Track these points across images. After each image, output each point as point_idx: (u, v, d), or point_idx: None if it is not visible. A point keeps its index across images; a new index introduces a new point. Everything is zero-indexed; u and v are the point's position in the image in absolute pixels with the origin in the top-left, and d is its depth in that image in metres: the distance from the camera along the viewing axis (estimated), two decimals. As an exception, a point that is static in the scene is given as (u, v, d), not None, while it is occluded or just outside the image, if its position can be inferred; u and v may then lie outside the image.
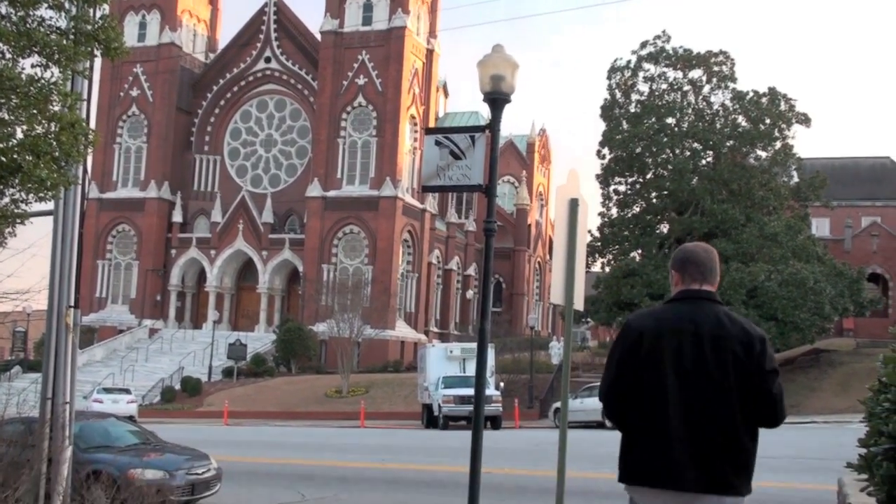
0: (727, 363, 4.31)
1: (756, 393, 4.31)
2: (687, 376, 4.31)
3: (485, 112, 76.40)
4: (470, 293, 74.30)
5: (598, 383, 30.97)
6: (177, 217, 71.00)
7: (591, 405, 33.70)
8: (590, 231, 49.74)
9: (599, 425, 33.42)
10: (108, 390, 45.81)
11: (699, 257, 4.48)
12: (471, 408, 31.80)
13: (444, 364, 38.41)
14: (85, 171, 10.22)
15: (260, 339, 63.91)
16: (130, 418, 31.44)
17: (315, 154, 67.11)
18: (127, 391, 45.94)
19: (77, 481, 10.66)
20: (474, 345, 38.82)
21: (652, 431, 4.33)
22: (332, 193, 65.47)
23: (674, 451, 4.28)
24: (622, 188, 49.71)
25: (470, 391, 32.83)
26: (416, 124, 67.48)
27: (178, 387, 54.69)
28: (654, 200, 48.62)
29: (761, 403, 4.31)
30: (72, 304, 10.18)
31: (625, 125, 47.61)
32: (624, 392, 4.44)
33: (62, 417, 9.56)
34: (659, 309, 4.52)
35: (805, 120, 46.34)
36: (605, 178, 49.27)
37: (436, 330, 71.45)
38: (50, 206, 9.86)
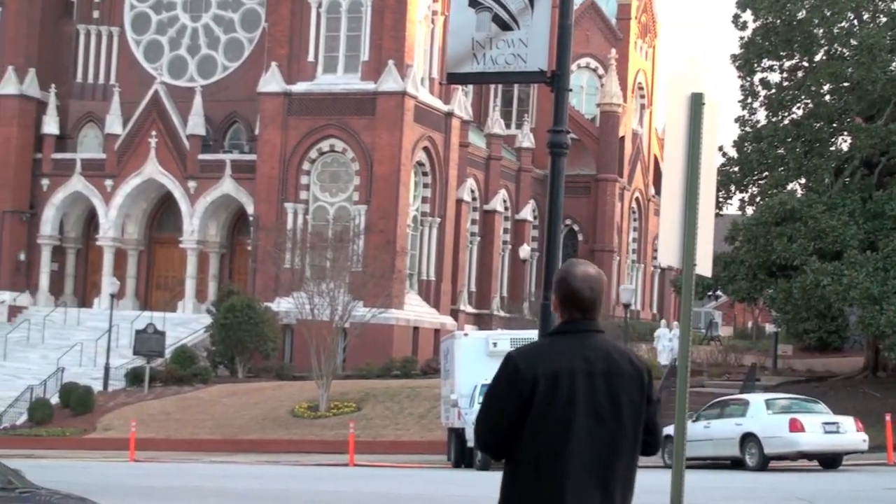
0: (620, 401, 6.11)
1: (644, 425, 6.21)
2: (584, 420, 6.05)
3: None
4: (525, 250, 74.35)
5: (733, 395, 31.02)
6: (50, 126, 71.25)
7: (722, 431, 33.78)
8: (721, 149, 49.54)
9: (736, 463, 33.54)
10: (-57, 405, 46.41)
11: (583, 299, 6.19)
12: (526, 435, 31.86)
13: (483, 364, 38.40)
14: None
15: (186, 324, 64.36)
16: (-20, 450, 31.77)
17: (273, 24, 67.00)
18: (-26, 407, 46.50)
19: None
20: (532, 334, 38.90)
21: (548, 480, 6.03)
22: (300, 88, 65.46)
23: (573, 495, 6.02)
24: (774, 78, 49.34)
25: (525, 408, 32.89)
26: (436, -26, 67.17)
27: (55, 399, 55.27)
28: (828, 98, 48.18)
29: (647, 433, 6.25)
30: None
31: (780, -27, 47.20)
32: (511, 439, 6.10)
33: None
34: (544, 344, 6.32)
35: None
36: (746, 62, 48.91)
37: (469, 310, 71.66)
38: None
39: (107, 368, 57.55)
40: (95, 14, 73.18)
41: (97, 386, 56.55)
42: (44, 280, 71.00)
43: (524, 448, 6.08)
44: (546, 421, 6.05)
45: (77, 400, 53.97)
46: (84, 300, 71.57)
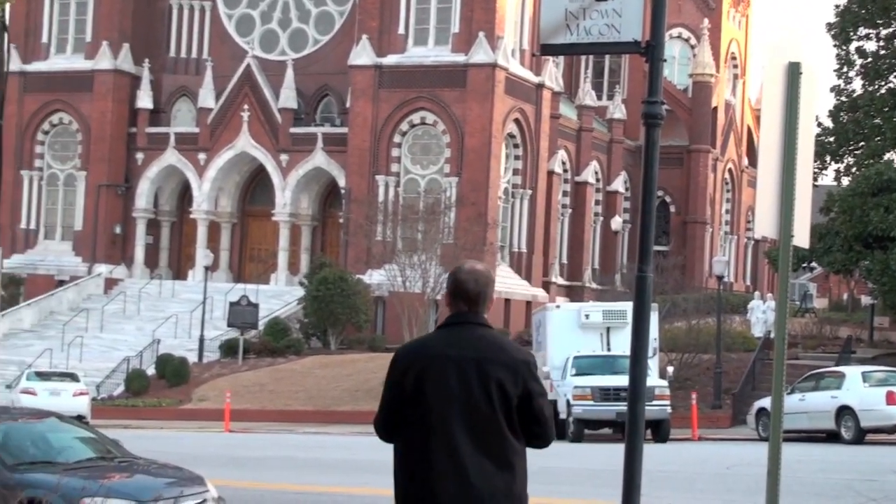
0: (491, 388, 6.54)
1: (523, 415, 6.63)
2: (453, 404, 6.54)
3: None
4: (617, 222, 74.05)
5: (828, 368, 30.77)
6: (144, 101, 72.04)
7: (817, 404, 33.52)
8: (816, 118, 49.05)
9: (832, 436, 33.27)
10: (43, 376, 47.08)
11: (468, 290, 6.73)
12: (620, 407, 31.87)
13: (575, 337, 38.51)
14: (3, 27, 10.45)
15: (279, 296, 64.91)
16: (80, 419, 32.31)
17: (364, -4, 67.14)
18: (73, 377, 47.15)
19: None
20: (624, 306, 38.78)
21: (419, 461, 6.58)
22: (391, 60, 65.58)
23: (438, 482, 6.54)
24: (871, 46, 48.74)
25: (618, 381, 32.88)
26: (527, -56, 66.86)
27: (151, 370, 56.03)
28: (926, 66, 47.55)
29: (531, 423, 6.66)
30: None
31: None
32: (396, 424, 6.72)
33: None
34: (427, 336, 6.88)
35: None
36: (841, 31, 48.37)
37: (561, 282, 71.58)
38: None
39: (201, 340, 58.23)
40: (188, -12, 73.84)
41: (192, 357, 57.26)
42: (139, 253, 71.93)
43: (405, 430, 6.69)
44: (418, 405, 6.60)
45: (172, 371, 54.68)
46: (178, 273, 72.40)
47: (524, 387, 6.62)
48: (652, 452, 25.61)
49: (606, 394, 34.26)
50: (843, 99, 48.81)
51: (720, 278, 49.03)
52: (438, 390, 6.58)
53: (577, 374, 35.78)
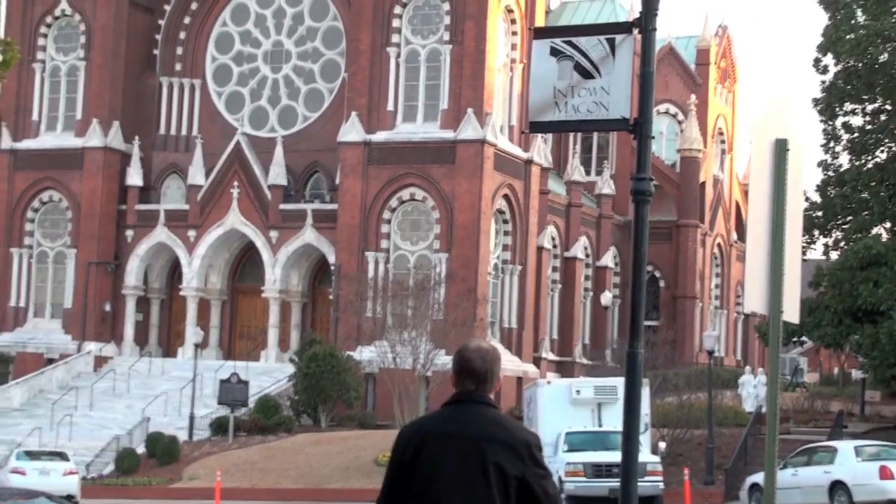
0: (488, 467, 6.56)
1: (525, 496, 6.63)
2: (449, 481, 6.57)
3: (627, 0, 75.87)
4: (607, 297, 74.07)
5: (821, 443, 30.67)
6: (134, 178, 72.16)
7: (810, 479, 33.38)
8: (804, 193, 49.20)
9: (824, 512, 33.10)
10: (33, 455, 46.78)
11: (474, 368, 6.77)
12: (612, 483, 31.73)
13: (566, 412, 38.41)
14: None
15: (269, 373, 64.70)
16: (70, 499, 32.13)
17: (352, 74, 67.53)
18: (63, 456, 46.83)
19: None
20: (615, 381, 38.73)
21: None
22: (380, 137, 65.84)
23: None
24: (857, 121, 48.95)
25: (611, 457, 32.75)
26: (514, 22, 67.29)
27: (141, 449, 55.69)
28: (912, 141, 47.72)
29: None
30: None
31: (860, 16, 46.87)
32: (395, 499, 6.76)
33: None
34: (431, 414, 6.94)
35: None
36: (827, 106, 48.59)
37: (552, 357, 71.47)
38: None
39: (191, 418, 57.94)
40: (178, 67, 74.20)
41: (182, 435, 56.94)
42: (129, 330, 71.76)
43: None
44: (412, 481, 6.70)
45: (163, 449, 54.37)
46: (168, 350, 72.22)
47: (524, 469, 6.64)
48: (644, 529, 25.49)
49: (598, 470, 34.14)
50: (831, 173, 48.96)
51: (710, 353, 48.99)
52: (434, 468, 6.62)
53: (569, 451, 35.64)
